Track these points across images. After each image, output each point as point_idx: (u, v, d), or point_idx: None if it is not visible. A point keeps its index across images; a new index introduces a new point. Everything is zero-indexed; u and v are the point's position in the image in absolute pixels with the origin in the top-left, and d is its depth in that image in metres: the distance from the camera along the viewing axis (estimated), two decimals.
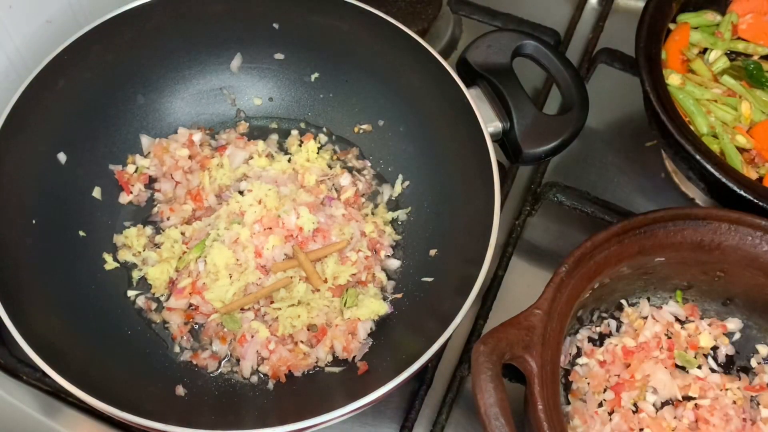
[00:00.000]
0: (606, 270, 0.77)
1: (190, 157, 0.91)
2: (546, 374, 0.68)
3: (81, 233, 0.84)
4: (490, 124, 0.83)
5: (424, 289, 0.84)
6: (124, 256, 0.86)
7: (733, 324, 0.83)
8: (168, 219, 0.88)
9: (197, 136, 0.93)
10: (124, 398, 0.69)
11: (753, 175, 0.88)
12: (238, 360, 0.80)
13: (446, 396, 0.83)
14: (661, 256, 0.79)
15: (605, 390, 0.79)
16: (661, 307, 0.83)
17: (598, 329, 0.83)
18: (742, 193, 0.80)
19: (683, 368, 0.81)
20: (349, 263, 0.84)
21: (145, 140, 0.92)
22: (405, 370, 0.69)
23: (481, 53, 0.87)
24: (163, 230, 0.87)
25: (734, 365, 0.82)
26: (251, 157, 0.92)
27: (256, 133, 0.96)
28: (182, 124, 0.94)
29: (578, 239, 0.92)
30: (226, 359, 0.81)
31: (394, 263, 0.87)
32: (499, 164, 0.80)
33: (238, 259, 0.83)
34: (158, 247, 0.86)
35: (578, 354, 0.81)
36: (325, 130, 0.96)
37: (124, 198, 0.89)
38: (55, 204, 0.82)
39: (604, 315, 0.84)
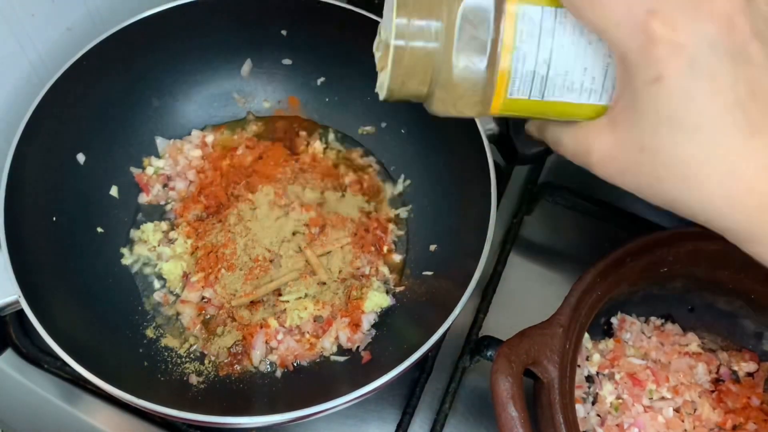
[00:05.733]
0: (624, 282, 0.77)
1: (202, 158, 0.93)
2: (564, 382, 0.68)
3: (99, 229, 0.85)
4: (486, 126, 0.82)
5: (425, 283, 0.84)
6: (140, 251, 0.87)
7: None
8: (181, 216, 0.89)
9: (209, 138, 0.94)
10: (141, 386, 0.69)
11: None
12: (248, 350, 0.81)
13: (449, 386, 0.84)
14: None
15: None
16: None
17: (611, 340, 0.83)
18: None
19: None
20: (354, 258, 0.86)
21: (160, 142, 0.93)
22: (406, 359, 0.69)
23: None
24: (177, 227, 0.88)
25: None
26: (260, 157, 0.93)
27: (265, 134, 0.97)
28: (195, 126, 0.95)
29: (573, 237, 0.93)
30: (236, 349, 0.82)
31: (397, 258, 0.89)
32: (496, 164, 0.80)
33: (248, 254, 0.84)
34: (172, 243, 0.87)
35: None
36: (331, 131, 0.97)
37: (143, 198, 0.90)
38: (74, 202, 0.82)
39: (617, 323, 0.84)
